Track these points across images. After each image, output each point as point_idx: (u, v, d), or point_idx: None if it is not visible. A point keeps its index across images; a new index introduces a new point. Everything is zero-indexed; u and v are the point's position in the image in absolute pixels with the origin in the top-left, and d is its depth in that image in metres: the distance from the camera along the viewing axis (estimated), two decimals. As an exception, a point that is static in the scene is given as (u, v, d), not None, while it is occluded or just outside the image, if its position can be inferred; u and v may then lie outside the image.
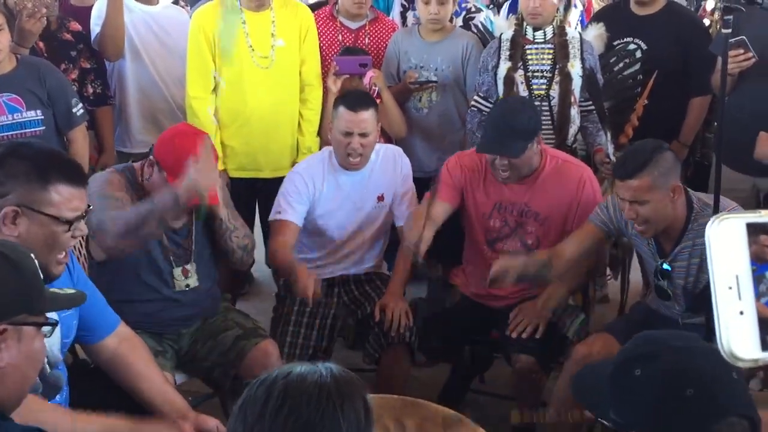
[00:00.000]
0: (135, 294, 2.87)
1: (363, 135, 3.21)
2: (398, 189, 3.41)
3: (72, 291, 1.85)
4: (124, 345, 2.50)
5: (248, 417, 1.27)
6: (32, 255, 1.70)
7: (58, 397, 2.32)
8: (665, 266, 2.89)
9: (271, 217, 3.33)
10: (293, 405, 1.25)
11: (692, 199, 2.84)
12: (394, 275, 3.38)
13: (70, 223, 2.15)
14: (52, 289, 1.75)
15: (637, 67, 3.86)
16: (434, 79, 3.93)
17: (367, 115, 3.22)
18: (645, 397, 1.40)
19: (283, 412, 1.25)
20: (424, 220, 3.06)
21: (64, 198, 2.14)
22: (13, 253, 1.64)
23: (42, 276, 1.70)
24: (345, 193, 3.35)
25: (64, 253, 2.20)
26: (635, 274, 3.65)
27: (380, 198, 3.40)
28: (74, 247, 3.03)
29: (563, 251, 3.03)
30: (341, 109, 3.23)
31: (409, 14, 4.37)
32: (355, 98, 3.28)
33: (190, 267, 2.94)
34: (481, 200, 3.26)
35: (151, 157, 2.82)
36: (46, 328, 1.71)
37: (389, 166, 3.42)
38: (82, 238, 3.02)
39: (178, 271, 2.92)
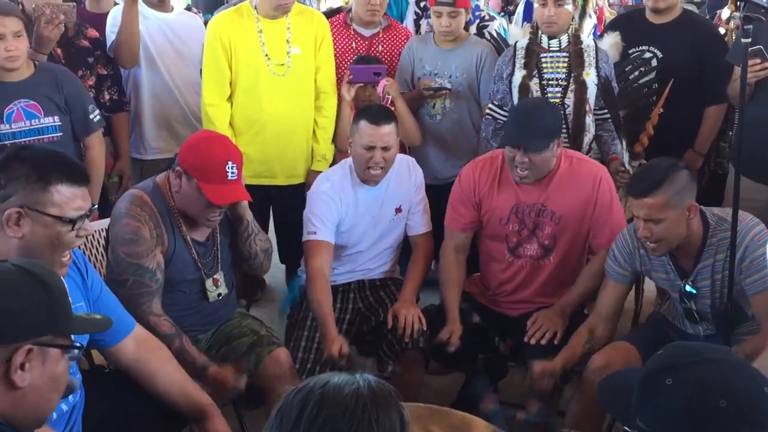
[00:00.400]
0: (168, 308, 2.86)
1: (385, 149, 3.20)
2: (413, 199, 3.42)
3: (99, 317, 1.86)
4: (143, 346, 2.52)
5: (284, 425, 1.27)
6: (61, 278, 1.70)
7: (71, 397, 2.31)
8: (690, 288, 2.86)
9: (305, 238, 3.30)
10: (328, 415, 1.26)
11: (707, 215, 2.81)
12: (406, 282, 3.38)
13: (73, 222, 2.16)
14: (79, 314, 1.76)
15: (652, 75, 3.86)
16: (448, 86, 3.94)
17: (389, 129, 3.21)
18: (675, 407, 1.40)
19: (318, 422, 1.25)
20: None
21: (66, 198, 2.15)
22: (43, 273, 1.63)
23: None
24: (364, 209, 3.34)
25: (68, 255, 2.21)
26: (648, 283, 3.64)
27: (398, 210, 3.40)
28: (88, 248, 3.06)
29: (600, 319, 3.04)
30: (363, 123, 3.21)
31: (423, 22, 4.40)
32: (376, 112, 3.27)
33: (219, 276, 2.96)
34: (497, 206, 3.26)
35: (177, 167, 2.80)
36: (73, 351, 1.69)
37: (404, 177, 3.42)
38: (99, 242, 3.06)
39: (209, 283, 2.94)
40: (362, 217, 3.36)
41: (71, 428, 2.31)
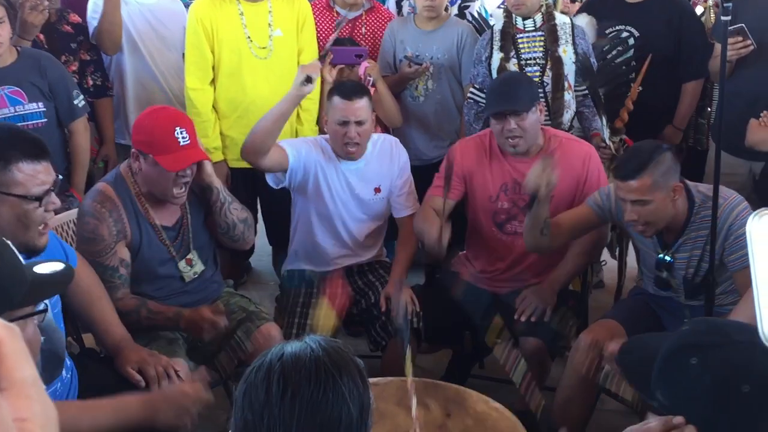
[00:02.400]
0: (150, 296, 2.89)
1: (359, 123, 3.23)
2: (395, 180, 3.43)
3: (59, 266, 1.73)
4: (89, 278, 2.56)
5: (254, 404, 1.29)
6: (7, 242, 1.64)
7: (64, 372, 2.30)
8: (668, 258, 2.91)
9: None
10: (295, 386, 1.28)
11: (693, 193, 2.85)
12: (395, 264, 3.41)
13: (39, 199, 2.16)
14: (37, 269, 1.66)
15: (630, 54, 3.90)
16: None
17: (363, 104, 3.23)
18: (699, 386, 1.39)
19: (287, 395, 1.28)
20: (438, 221, 3.09)
21: (27, 175, 2.14)
22: None
23: (22, 261, 1.64)
24: (346, 181, 3.37)
25: (43, 225, 2.20)
26: (631, 259, 3.69)
27: (377, 190, 3.41)
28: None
29: (558, 219, 3.05)
30: (336, 99, 3.25)
31: (405, 3, 4.40)
32: (348, 88, 3.30)
33: (192, 255, 2.97)
34: (486, 184, 3.29)
35: (133, 150, 2.81)
36: (39, 315, 1.67)
37: (386, 158, 3.43)
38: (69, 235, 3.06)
39: (183, 264, 2.95)
40: (345, 188, 3.36)
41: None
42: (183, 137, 2.74)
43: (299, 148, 3.31)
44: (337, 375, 1.30)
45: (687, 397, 1.40)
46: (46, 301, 1.77)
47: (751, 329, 1.45)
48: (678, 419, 1.39)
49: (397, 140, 3.57)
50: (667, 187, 2.72)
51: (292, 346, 1.35)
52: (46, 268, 1.68)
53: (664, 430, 1.39)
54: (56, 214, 3.18)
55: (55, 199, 2.22)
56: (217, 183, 2.96)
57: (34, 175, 2.15)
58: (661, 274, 2.97)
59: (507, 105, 3.11)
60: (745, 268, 2.71)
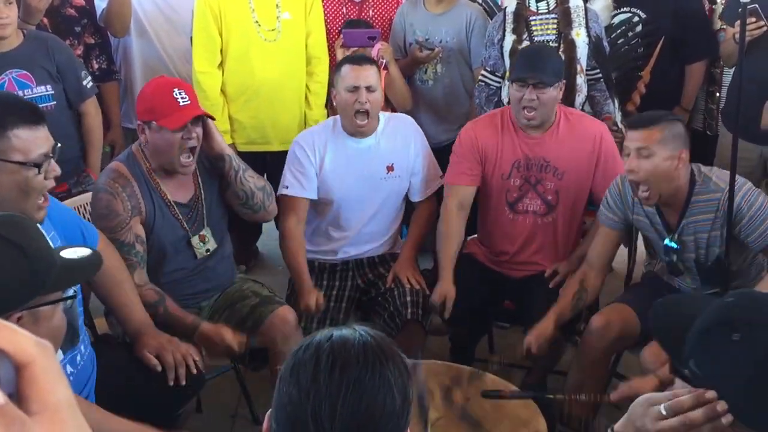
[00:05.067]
0: (165, 275, 2.90)
1: (369, 89, 3.17)
2: (411, 162, 3.39)
3: (87, 252, 1.75)
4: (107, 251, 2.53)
5: (301, 380, 1.27)
6: (36, 224, 1.63)
7: (82, 346, 2.28)
8: (671, 244, 2.91)
9: (279, 191, 3.31)
10: (344, 364, 1.27)
11: (694, 171, 2.85)
12: (407, 241, 3.43)
13: (38, 165, 2.12)
14: (65, 253, 1.66)
15: (637, 31, 3.89)
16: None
17: (372, 71, 3.20)
18: (740, 363, 1.35)
19: (335, 372, 1.26)
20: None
21: (26, 141, 2.11)
22: (17, 233, 1.56)
23: (51, 244, 1.63)
24: (350, 159, 3.30)
25: (42, 198, 2.17)
26: (640, 242, 3.68)
27: (390, 168, 3.35)
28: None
29: (591, 267, 3.07)
30: (345, 66, 3.21)
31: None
32: (357, 56, 3.29)
33: (206, 232, 2.95)
34: (499, 161, 3.27)
35: (138, 123, 2.82)
36: (66, 302, 1.66)
37: (398, 135, 3.38)
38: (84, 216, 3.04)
39: (195, 240, 2.92)
40: (348, 168, 3.31)
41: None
42: (182, 98, 2.73)
43: (308, 174, 3.27)
44: (384, 361, 1.29)
45: (724, 372, 1.36)
46: (75, 289, 1.76)
47: None
48: (711, 394, 1.36)
49: (412, 120, 3.53)
50: (674, 149, 2.73)
51: (341, 331, 1.34)
52: (73, 253, 1.67)
53: (695, 404, 1.36)
54: (74, 195, 3.21)
55: (55, 166, 2.18)
56: (228, 150, 2.94)
57: (33, 140, 2.12)
58: (672, 259, 2.96)
59: (534, 73, 3.10)
60: None
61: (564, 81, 3.22)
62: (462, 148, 3.31)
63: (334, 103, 3.33)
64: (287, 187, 3.29)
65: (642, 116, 2.82)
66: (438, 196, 3.47)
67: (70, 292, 1.69)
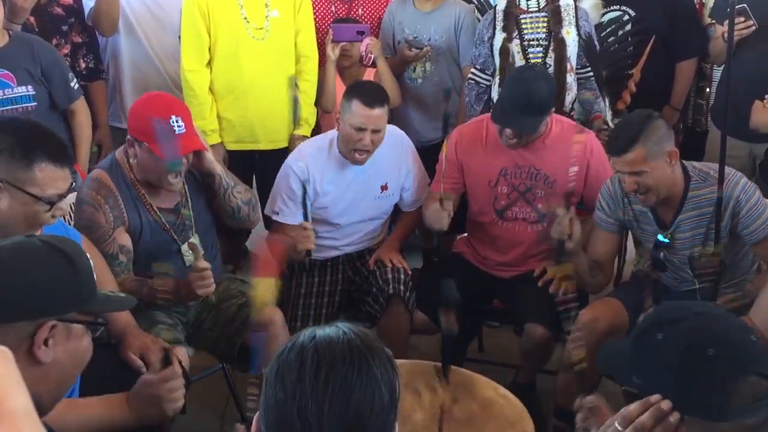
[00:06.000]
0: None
1: (375, 131, 3.17)
2: (404, 176, 3.41)
3: (123, 295, 1.85)
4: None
5: (287, 382, 1.27)
6: (88, 256, 1.68)
7: None
8: (662, 239, 2.90)
9: (268, 211, 3.33)
10: (329, 364, 1.27)
11: (688, 167, 2.84)
12: (394, 231, 3.47)
13: (51, 203, 2.14)
14: (103, 292, 1.73)
15: (627, 29, 3.88)
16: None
17: (382, 112, 3.16)
18: (668, 359, 1.44)
19: (321, 373, 1.26)
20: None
21: (48, 178, 2.12)
22: (70, 250, 1.62)
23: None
24: (347, 183, 3.32)
25: (39, 231, 2.17)
26: (629, 242, 3.68)
27: (384, 188, 3.37)
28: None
29: (600, 261, 3.06)
30: (356, 103, 3.14)
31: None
32: (369, 93, 3.19)
33: (195, 239, 2.93)
34: (485, 169, 3.26)
35: (128, 137, 2.79)
36: (96, 328, 1.69)
37: (393, 154, 3.38)
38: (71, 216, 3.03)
39: (185, 248, 2.91)
40: (345, 192, 3.32)
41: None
42: (178, 126, 2.71)
43: (298, 202, 3.20)
44: (370, 357, 1.29)
45: (659, 373, 1.45)
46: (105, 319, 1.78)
47: (710, 304, 1.62)
48: (655, 397, 1.44)
49: (404, 134, 3.51)
50: (662, 153, 2.71)
51: (324, 330, 1.34)
52: (110, 291, 1.79)
53: (642, 410, 1.43)
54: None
55: (63, 205, 2.20)
56: (219, 170, 2.93)
57: (54, 179, 2.13)
58: (658, 255, 2.95)
59: (514, 125, 3.09)
60: (766, 237, 2.74)
61: (553, 109, 3.19)
62: (445, 158, 3.24)
63: (337, 127, 3.29)
64: (277, 213, 3.30)
65: (619, 138, 2.73)
66: None
67: (101, 320, 1.72)
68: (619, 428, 1.44)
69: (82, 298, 1.61)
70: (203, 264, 2.65)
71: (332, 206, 3.33)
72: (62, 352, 1.57)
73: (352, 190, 3.33)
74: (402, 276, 3.24)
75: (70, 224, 2.77)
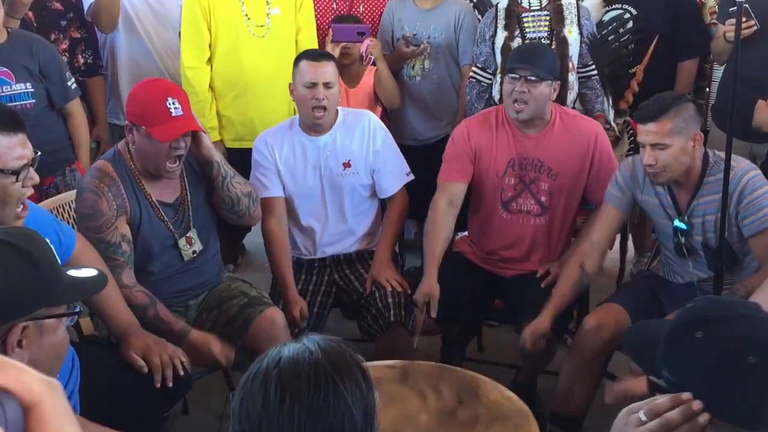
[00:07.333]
0: (151, 274, 2.87)
1: (327, 85, 3.17)
2: (371, 156, 3.34)
3: (93, 273, 1.75)
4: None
5: (251, 414, 1.23)
6: (46, 240, 1.62)
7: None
8: (681, 225, 2.90)
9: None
10: (294, 394, 1.22)
11: (707, 152, 2.85)
12: (380, 240, 3.38)
13: (17, 173, 2.10)
14: (71, 272, 1.66)
15: (628, 27, 3.89)
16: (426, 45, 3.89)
17: (330, 67, 3.19)
18: (704, 360, 1.39)
19: (285, 404, 1.22)
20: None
21: (3, 148, 2.08)
22: (27, 244, 1.55)
23: (58, 259, 1.63)
24: (305, 155, 3.29)
25: (21, 206, 2.15)
26: (630, 242, 3.68)
27: (346, 165, 3.32)
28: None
29: (592, 246, 3.04)
30: (303, 62, 3.20)
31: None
32: (315, 52, 3.30)
33: (192, 234, 2.92)
34: (494, 159, 3.25)
35: (127, 122, 2.77)
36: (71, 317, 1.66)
37: (356, 131, 3.33)
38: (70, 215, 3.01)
39: (182, 242, 2.89)
40: (305, 165, 3.30)
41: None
42: (175, 107, 2.69)
43: (270, 174, 3.28)
44: (338, 379, 1.24)
45: (693, 372, 1.40)
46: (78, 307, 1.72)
47: (755, 305, 1.49)
48: (686, 395, 1.39)
49: (374, 116, 3.47)
50: (687, 134, 2.73)
51: (290, 349, 1.29)
52: (79, 272, 1.68)
53: (672, 406, 1.39)
54: (59, 193, 3.17)
55: (33, 175, 2.16)
56: (217, 156, 2.90)
57: (11, 148, 2.09)
58: (679, 241, 2.94)
59: (526, 65, 3.08)
60: (761, 231, 2.73)
61: (559, 81, 3.20)
62: (455, 146, 3.29)
63: (291, 98, 3.33)
64: (266, 189, 3.28)
65: (650, 106, 2.76)
66: (410, 193, 3.43)
67: (77, 308, 1.67)
68: (643, 418, 1.40)
69: (48, 293, 1.55)
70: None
71: (292, 180, 3.30)
72: (38, 350, 1.54)
73: (311, 165, 3.29)
74: (402, 300, 3.18)
75: (70, 221, 2.75)
